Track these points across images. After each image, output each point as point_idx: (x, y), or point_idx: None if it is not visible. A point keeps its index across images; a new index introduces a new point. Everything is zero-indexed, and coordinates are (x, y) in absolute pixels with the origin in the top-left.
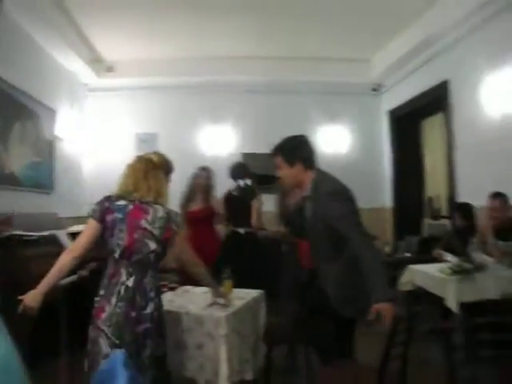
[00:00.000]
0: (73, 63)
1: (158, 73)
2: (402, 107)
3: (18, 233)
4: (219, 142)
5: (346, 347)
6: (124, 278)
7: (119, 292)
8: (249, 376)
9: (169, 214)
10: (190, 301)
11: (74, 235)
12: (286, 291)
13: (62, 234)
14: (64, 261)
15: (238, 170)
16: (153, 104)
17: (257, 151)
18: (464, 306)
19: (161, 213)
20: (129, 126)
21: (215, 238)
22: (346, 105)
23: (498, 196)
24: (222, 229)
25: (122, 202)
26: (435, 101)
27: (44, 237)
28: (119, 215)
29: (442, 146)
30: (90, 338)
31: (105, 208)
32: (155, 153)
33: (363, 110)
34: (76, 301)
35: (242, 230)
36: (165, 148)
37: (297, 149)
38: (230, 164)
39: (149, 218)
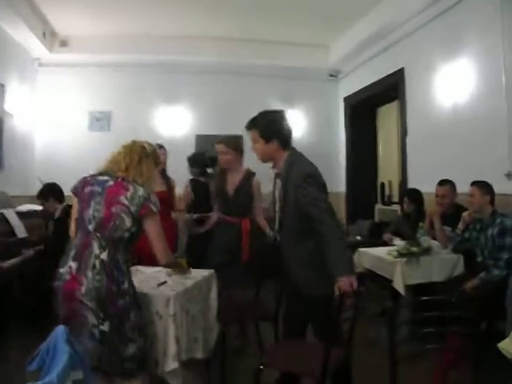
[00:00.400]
0: (24, 36)
1: (112, 50)
2: (359, 94)
3: None
4: (174, 123)
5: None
6: (97, 251)
7: (94, 265)
8: (199, 355)
9: (149, 195)
10: (140, 280)
11: (23, 214)
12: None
13: (10, 213)
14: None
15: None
16: (107, 82)
17: (211, 133)
18: (411, 289)
19: (141, 192)
20: (82, 104)
21: (173, 223)
22: (304, 89)
23: (445, 183)
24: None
25: (103, 177)
26: (390, 88)
27: None
28: (98, 188)
29: (395, 133)
30: (70, 311)
31: (83, 181)
32: (148, 142)
33: (320, 95)
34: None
35: None
36: (118, 127)
37: (274, 125)
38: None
39: (128, 194)
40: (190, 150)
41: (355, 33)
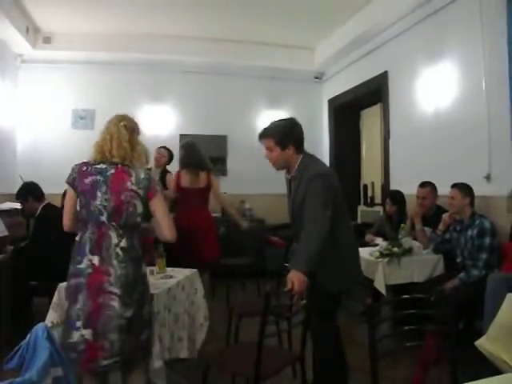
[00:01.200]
0: (6, 32)
1: (97, 48)
2: (343, 96)
3: None
4: (158, 122)
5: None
6: (115, 240)
7: (117, 254)
8: (183, 354)
9: (150, 175)
10: None
11: (4, 212)
12: None
13: None
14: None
15: None
16: (91, 79)
17: (195, 133)
18: (392, 289)
19: (143, 175)
20: (65, 101)
21: None
22: (289, 91)
23: (426, 185)
24: None
25: (101, 165)
26: (374, 91)
27: None
28: (100, 178)
29: (378, 136)
30: (96, 306)
31: (80, 172)
32: (126, 116)
33: (305, 97)
34: None
35: None
36: (102, 125)
37: (290, 132)
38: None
39: (133, 179)
40: (175, 149)
41: (340, 36)
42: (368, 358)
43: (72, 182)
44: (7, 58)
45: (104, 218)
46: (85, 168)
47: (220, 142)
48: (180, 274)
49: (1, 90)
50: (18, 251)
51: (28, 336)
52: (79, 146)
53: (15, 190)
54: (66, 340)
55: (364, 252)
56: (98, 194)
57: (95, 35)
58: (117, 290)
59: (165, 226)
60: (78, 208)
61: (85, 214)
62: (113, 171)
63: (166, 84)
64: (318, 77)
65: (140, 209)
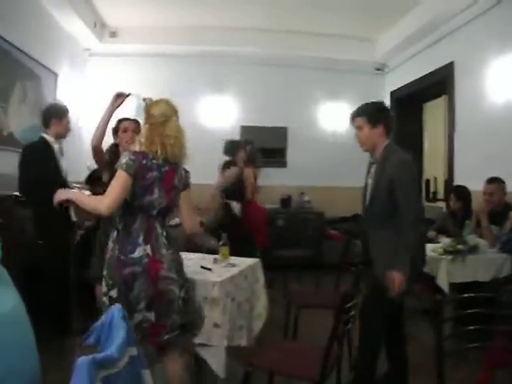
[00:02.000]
0: (75, 27)
1: (161, 40)
2: (405, 88)
3: (16, 193)
4: (219, 114)
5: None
6: (160, 230)
7: (164, 243)
8: (243, 342)
9: (187, 173)
10: (186, 266)
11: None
12: None
13: None
14: (101, 210)
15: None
16: (155, 72)
17: (255, 124)
18: (455, 287)
19: (183, 171)
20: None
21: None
22: (350, 83)
23: (494, 181)
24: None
25: (156, 162)
26: (439, 83)
27: None
28: (157, 174)
29: (442, 129)
30: (156, 292)
31: (142, 165)
32: (166, 100)
33: (366, 89)
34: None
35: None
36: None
37: (382, 112)
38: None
39: (177, 176)
40: None
41: (403, 26)
42: (428, 357)
43: (133, 173)
44: (76, 52)
45: (154, 212)
46: (144, 161)
47: (280, 133)
48: (243, 263)
49: (70, 83)
50: (87, 236)
51: (104, 315)
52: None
53: (83, 178)
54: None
55: (426, 248)
56: (156, 190)
57: (159, 28)
58: (173, 275)
59: (190, 216)
60: (127, 198)
61: (137, 206)
62: (167, 168)
63: (227, 76)
64: (380, 68)
65: (178, 202)
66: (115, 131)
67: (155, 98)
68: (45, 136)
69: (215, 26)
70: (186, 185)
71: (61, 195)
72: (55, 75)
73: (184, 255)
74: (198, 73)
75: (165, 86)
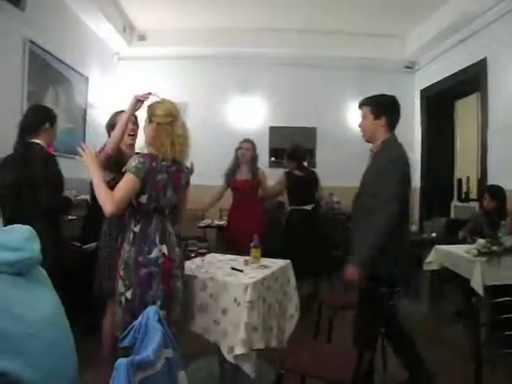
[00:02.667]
0: (105, 31)
1: (189, 43)
2: (436, 86)
3: None
4: (248, 115)
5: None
6: (170, 229)
7: (175, 242)
8: (273, 344)
9: (187, 167)
10: (217, 267)
11: None
12: None
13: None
14: (110, 210)
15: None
16: (183, 73)
17: (284, 125)
18: (489, 289)
19: (187, 169)
20: (159, 95)
21: (261, 209)
22: (378, 81)
23: None
24: None
25: (165, 163)
26: (471, 80)
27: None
28: (166, 176)
29: (475, 127)
30: (168, 289)
31: (152, 168)
32: (169, 103)
33: (396, 87)
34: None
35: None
36: (194, 118)
37: (386, 104)
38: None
39: (183, 175)
40: (264, 141)
41: (433, 22)
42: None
43: (142, 177)
44: (106, 55)
45: (166, 212)
46: (154, 164)
47: (309, 133)
48: (274, 264)
49: (101, 86)
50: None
51: (140, 317)
52: None
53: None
54: None
55: (460, 249)
56: (169, 191)
57: (187, 31)
58: (179, 272)
59: (184, 213)
60: (140, 200)
61: (152, 207)
62: (174, 169)
63: (256, 76)
64: (410, 66)
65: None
66: (112, 126)
67: (183, 99)
68: (40, 143)
69: (244, 27)
70: (188, 182)
71: (87, 162)
72: (86, 79)
73: (214, 256)
74: (226, 74)
75: (193, 88)
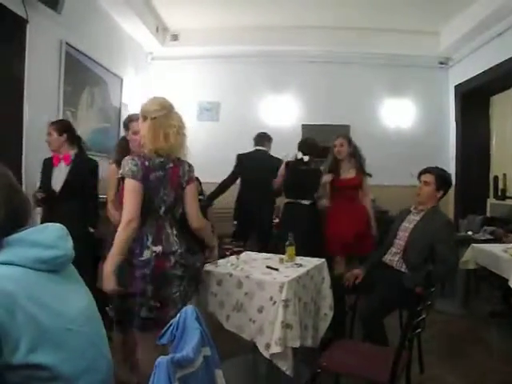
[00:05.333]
0: (138, 32)
1: (220, 42)
2: (471, 82)
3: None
4: (280, 113)
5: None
6: (169, 230)
7: (176, 242)
8: (308, 343)
9: (191, 167)
10: (252, 265)
11: None
12: None
13: None
14: (127, 233)
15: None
16: (215, 73)
17: (317, 122)
18: None
19: (187, 166)
20: (192, 95)
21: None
22: (412, 78)
23: None
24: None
25: (160, 159)
26: (506, 75)
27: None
28: (161, 173)
29: (511, 123)
30: (156, 292)
31: (145, 167)
32: (161, 98)
33: (429, 83)
34: None
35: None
36: (226, 116)
37: (447, 184)
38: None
39: (181, 172)
40: (297, 139)
41: (467, 17)
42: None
43: (135, 176)
44: (139, 56)
45: (162, 212)
46: (146, 163)
47: (342, 131)
48: (309, 263)
49: (134, 86)
50: None
51: (178, 315)
52: (205, 137)
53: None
54: None
55: (497, 248)
56: (161, 189)
57: (218, 30)
58: (179, 273)
59: (193, 209)
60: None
61: (145, 209)
62: (171, 165)
63: (287, 74)
64: (444, 62)
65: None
66: (126, 126)
67: (216, 98)
68: None
69: (275, 25)
70: (190, 179)
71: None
72: (120, 80)
73: (249, 255)
74: (258, 72)
75: (225, 87)
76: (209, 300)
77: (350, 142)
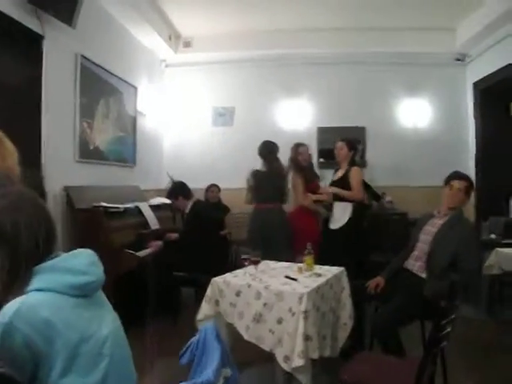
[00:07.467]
0: (152, 40)
1: (233, 47)
2: (490, 78)
3: (104, 204)
4: (295, 116)
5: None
6: None
7: None
8: (326, 353)
9: None
10: (270, 275)
11: (154, 207)
12: None
13: (144, 206)
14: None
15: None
16: (229, 78)
17: (332, 125)
18: None
19: None
20: (206, 100)
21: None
22: (428, 76)
23: None
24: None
25: None
26: None
27: (128, 209)
28: None
29: None
30: None
31: None
32: None
33: (446, 81)
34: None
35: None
36: (241, 121)
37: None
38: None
39: None
40: (313, 142)
41: (485, 10)
42: None
43: None
44: (153, 64)
45: None
46: None
47: (358, 133)
48: (328, 272)
49: (149, 94)
50: (167, 244)
51: (198, 334)
52: (219, 142)
53: (163, 186)
54: None
55: None
56: None
57: (230, 35)
58: None
59: None
60: None
61: None
62: None
63: (301, 77)
64: (460, 59)
65: None
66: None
67: (230, 103)
68: None
69: (287, 28)
70: None
71: None
72: (135, 88)
73: (267, 264)
74: (272, 76)
75: (239, 92)
76: (228, 310)
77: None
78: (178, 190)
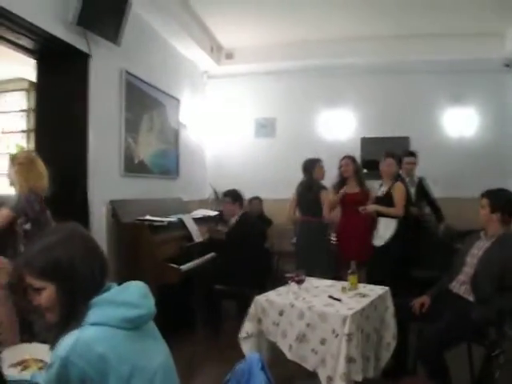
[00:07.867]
0: (194, 53)
1: (275, 58)
2: None
3: (148, 218)
4: (337, 126)
5: None
6: None
7: None
8: (370, 374)
9: None
10: (313, 294)
11: (198, 219)
12: None
13: (187, 219)
14: None
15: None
16: (270, 89)
17: (376, 135)
18: None
19: None
20: (248, 111)
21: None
22: (475, 83)
23: None
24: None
25: None
26: None
27: (172, 222)
28: None
29: None
30: None
31: None
32: None
33: (494, 88)
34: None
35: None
36: (283, 132)
37: (505, 200)
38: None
39: None
40: (356, 153)
41: None
42: None
43: None
44: (196, 75)
45: None
46: None
47: (402, 143)
48: (372, 292)
49: (191, 106)
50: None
51: (243, 363)
52: (262, 153)
53: (206, 197)
54: None
55: None
56: None
57: (271, 46)
58: None
59: None
60: None
61: None
62: None
63: (343, 87)
64: (509, 64)
65: None
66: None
67: (271, 114)
68: None
69: (328, 38)
70: None
71: None
72: (177, 101)
73: (310, 281)
74: (313, 86)
75: (281, 103)
76: (271, 329)
77: (354, 161)
78: (239, 196)
